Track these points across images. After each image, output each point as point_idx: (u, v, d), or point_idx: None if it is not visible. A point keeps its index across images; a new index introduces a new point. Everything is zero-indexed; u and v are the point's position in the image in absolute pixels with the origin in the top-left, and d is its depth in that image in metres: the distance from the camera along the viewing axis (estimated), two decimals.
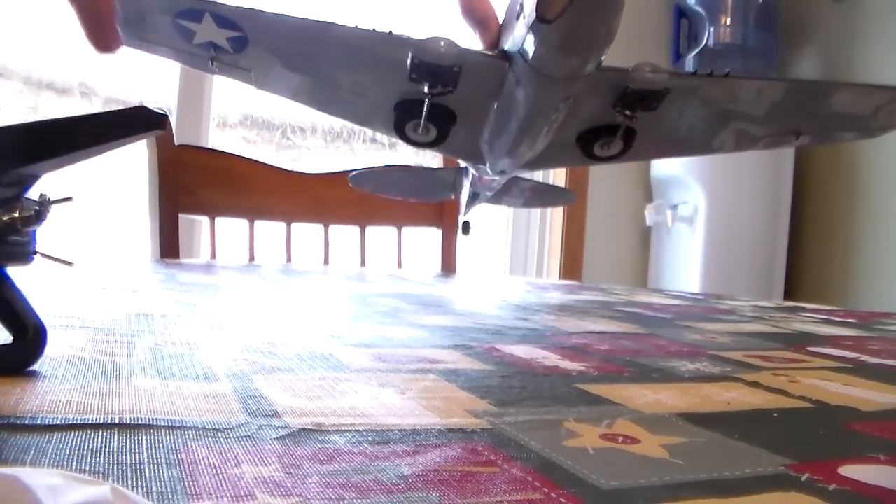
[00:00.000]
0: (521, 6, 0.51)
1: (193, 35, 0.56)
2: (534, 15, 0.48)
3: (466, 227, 0.93)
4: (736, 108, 0.61)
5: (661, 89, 0.56)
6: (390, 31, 0.55)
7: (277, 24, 0.56)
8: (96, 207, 1.61)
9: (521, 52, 0.52)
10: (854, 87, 0.62)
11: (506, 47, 0.55)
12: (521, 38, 0.52)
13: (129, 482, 0.18)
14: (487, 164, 0.68)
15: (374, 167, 1.10)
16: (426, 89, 0.55)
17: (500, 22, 0.57)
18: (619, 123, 0.60)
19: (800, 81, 0.66)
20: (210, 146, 1.71)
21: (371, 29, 0.55)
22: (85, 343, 0.34)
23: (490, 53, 0.57)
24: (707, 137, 0.64)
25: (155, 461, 0.19)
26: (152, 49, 0.58)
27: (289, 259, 1.22)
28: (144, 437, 0.21)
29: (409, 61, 0.54)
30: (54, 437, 0.21)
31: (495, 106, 0.59)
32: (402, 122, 0.61)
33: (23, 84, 1.60)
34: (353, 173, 0.97)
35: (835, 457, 0.24)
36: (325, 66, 0.59)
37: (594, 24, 0.48)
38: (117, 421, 0.22)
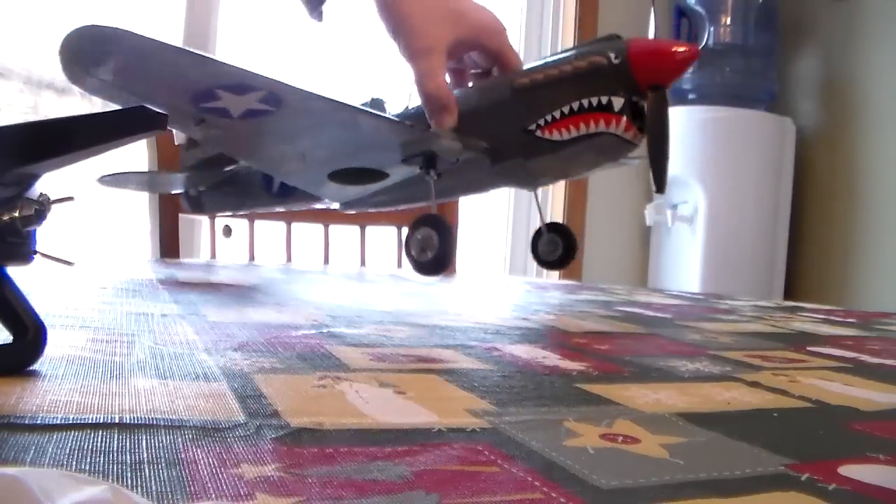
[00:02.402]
0: None
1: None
2: None
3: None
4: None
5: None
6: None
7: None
8: (96, 207, 1.61)
9: None
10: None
11: None
12: None
13: (129, 482, 0.18)
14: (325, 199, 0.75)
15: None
16: None
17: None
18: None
19: None
20: None
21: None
22: (85, 343, 0.34)
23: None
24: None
25: (155, 461, 0.19)
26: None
27: (289, 259, 1.22)
28: (144, 437, 0.21)
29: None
30: (54, 437, 0.21)
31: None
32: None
33: (23, 84, 1.60)
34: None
35: (835, 457, 0.24)
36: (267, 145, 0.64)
37: None
38: (117, 421, 0.22)
